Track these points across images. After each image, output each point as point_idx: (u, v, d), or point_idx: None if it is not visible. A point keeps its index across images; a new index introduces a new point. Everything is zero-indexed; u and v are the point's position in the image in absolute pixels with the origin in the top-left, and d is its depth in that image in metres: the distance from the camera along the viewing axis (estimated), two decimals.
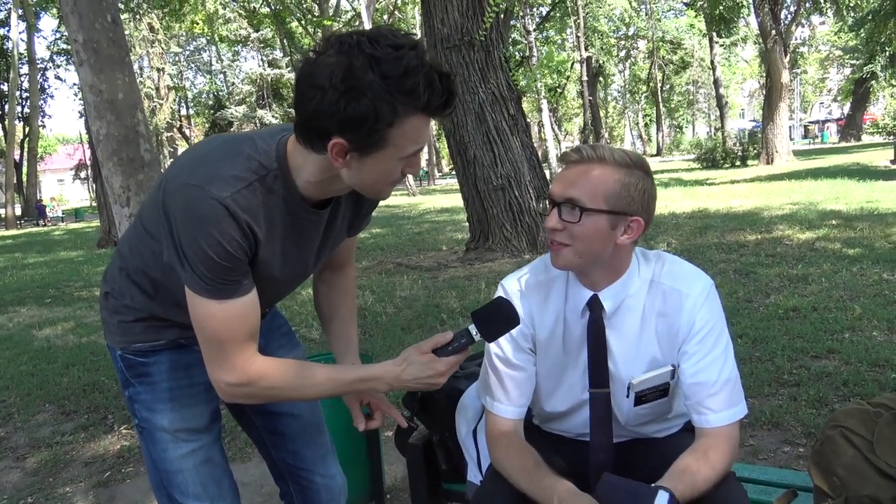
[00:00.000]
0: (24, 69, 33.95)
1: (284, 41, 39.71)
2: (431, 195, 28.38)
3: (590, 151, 1.44)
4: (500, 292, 1.62)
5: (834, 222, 8.90)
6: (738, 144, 29.04)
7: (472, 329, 1.38)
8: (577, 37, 36.05)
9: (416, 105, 1.17)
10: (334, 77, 1.13)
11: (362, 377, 1.41)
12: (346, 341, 1.74)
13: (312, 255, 1.48)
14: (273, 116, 37.82)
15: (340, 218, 1.49)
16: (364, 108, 1.14)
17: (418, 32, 27.52)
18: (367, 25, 27.55)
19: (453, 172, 16.64)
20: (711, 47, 34.54)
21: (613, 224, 1.43)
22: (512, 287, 1.62)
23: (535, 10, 30.40)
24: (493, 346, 1.61)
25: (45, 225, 33.61)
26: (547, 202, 1.49)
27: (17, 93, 34.28)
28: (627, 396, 1.56)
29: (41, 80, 36.98)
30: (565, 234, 1.44)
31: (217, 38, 39.25)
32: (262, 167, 1.29)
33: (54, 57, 36.38)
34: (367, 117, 1.15)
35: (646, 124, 62.82)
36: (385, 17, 34.78)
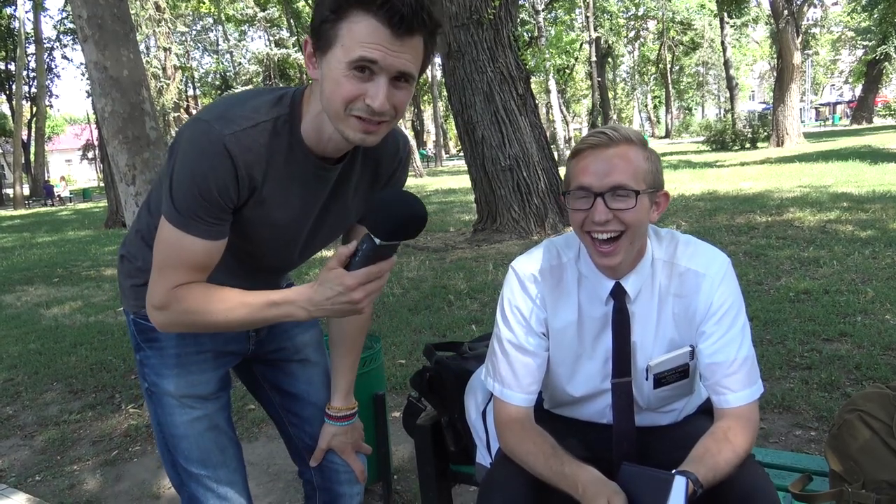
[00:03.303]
0: (31, 48, 33.87)
1: (291, 21, 39.47)
2: (439, 176, 28.30)
3: (615, 133, 1.40)
4: (511, 275, 1.58)
5: (845, 204, 8.81)
6: (748, 126, 28.80)
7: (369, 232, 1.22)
8: (586, 17, 35.77)
9: None
10: None
11: (275, 301, 1.32)
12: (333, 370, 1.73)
13: (314, 215, 1.44)
14: None
15: (353, 186, 1.45)
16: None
17: None
18: None
19: (461, 153, 16.56)
20: (722, 28, 34.21)
21: (651, 202, 1.43)
22: (524, 270, 1.57)
23: None
24: (504, 331, 1.57)
25: (52, 205, 33.71)
26: (575, 197, 1.41)
27: (24, 72, 34.25)
28: (647, 379, 1.53)
29: (48, 60, 36.95)
30: (615, 222, 1.39)
31: (224, 18, 39.04)
32: (274, 110, 1.29)
33: (61, 36, 36.33)
34: (319, 9, 1.16)
35: (655, 106, 62.43)
36: None
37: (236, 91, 1.33)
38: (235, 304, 1.34)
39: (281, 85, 38.76)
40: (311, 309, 1.30)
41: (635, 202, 1.37)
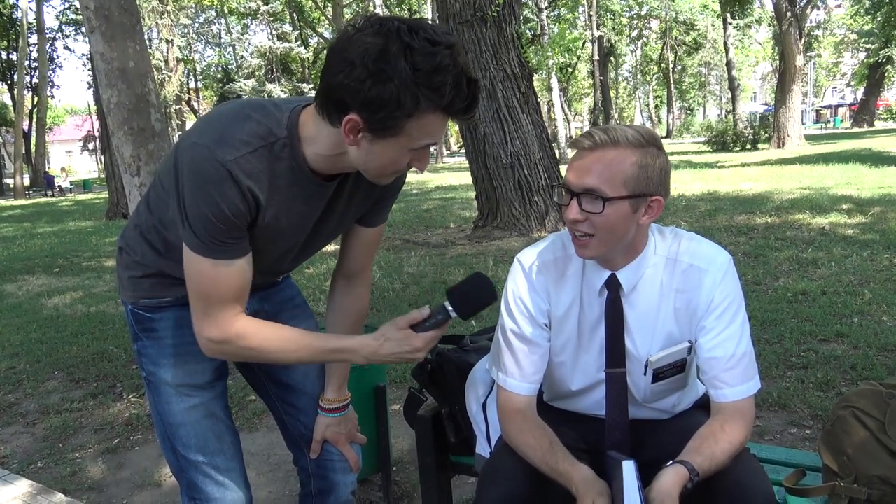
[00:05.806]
0: (33, 39, 33.82)
1: (294, 15, 39.44)
2: (440, 173, 28.28)
3: (602, 136, 1.41)
4: (516, 266, 1.61)
5: (845, 207, 8.84)
6: (749, 128, 28.85)
7: (448, 305, 1.39)
8: (590, 15, 35.78)
9: (440, 103, 1.19)
10: (367, 56, 1.15)
11: (338, 348, 1.45)
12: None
13: (311, 226, 1.48)
14: (282, 90, 37.65)
15: (348, 193, 1.48)
16: (388, 93, 1.15)
17: (430, 7, 27.27)
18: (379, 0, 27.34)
19: (462, 150, 16.54)
20: (725, 28, 34.24)
21: (635, 207, 1.42)
22: (528, 262, 1.60)
23: None
24: (508, 321, 1.60)
25: (53, 195, 33.70)
26: (563, 191, 1.45)
27: (26, 63, 34.19)
28: (645, 374, 1.55)
29: (50, 51, 36.94)
30: (587, 224, 1.41)
31: (226, 11, 39.01)
32: (272, 133, 1.31)
33: (63, 27, 36.28)
34: (388, 102, 1.16)
35: (656, 106, 62.38)
36: None
37: (228, 100, 1.36)
38: (301, 346, 1.44)
39: (283, 80, 38.75)
40: (372, 359, 1.42)
41: (603, 208, 1.39)
